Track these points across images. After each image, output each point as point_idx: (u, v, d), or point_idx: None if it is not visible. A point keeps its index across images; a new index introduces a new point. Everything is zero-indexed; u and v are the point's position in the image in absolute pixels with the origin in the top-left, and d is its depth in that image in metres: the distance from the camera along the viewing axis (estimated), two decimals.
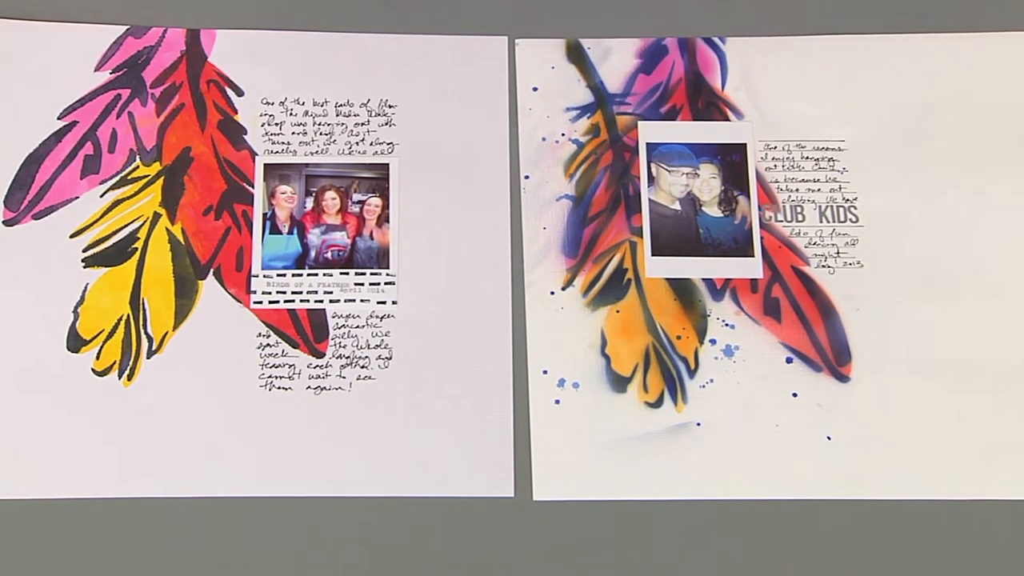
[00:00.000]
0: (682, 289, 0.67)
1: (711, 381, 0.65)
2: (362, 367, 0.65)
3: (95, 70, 0.71)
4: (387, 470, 0.63)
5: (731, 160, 0.70)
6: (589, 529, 0.62)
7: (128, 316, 0.65)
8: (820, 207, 0.69)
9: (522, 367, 0.65)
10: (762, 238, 0.68)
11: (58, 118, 0.69)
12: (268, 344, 0.66)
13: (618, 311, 0.67)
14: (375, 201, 0.69)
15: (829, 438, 0.64)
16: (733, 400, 0.65)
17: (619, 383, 0.65)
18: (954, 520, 0.62)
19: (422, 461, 0.63)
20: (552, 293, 0.67)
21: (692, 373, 0.65)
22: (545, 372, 0.65)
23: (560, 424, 0.64)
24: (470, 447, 0.63)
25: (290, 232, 0.68)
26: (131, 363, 0.65)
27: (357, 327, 0.66)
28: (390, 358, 0.65)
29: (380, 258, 0.67)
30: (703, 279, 0.67)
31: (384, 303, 0.67)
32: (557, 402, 0.64)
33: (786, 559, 0.62)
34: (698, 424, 0.64)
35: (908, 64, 0.72)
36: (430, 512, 0.62)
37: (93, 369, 0.64)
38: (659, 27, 0.73)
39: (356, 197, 0.69)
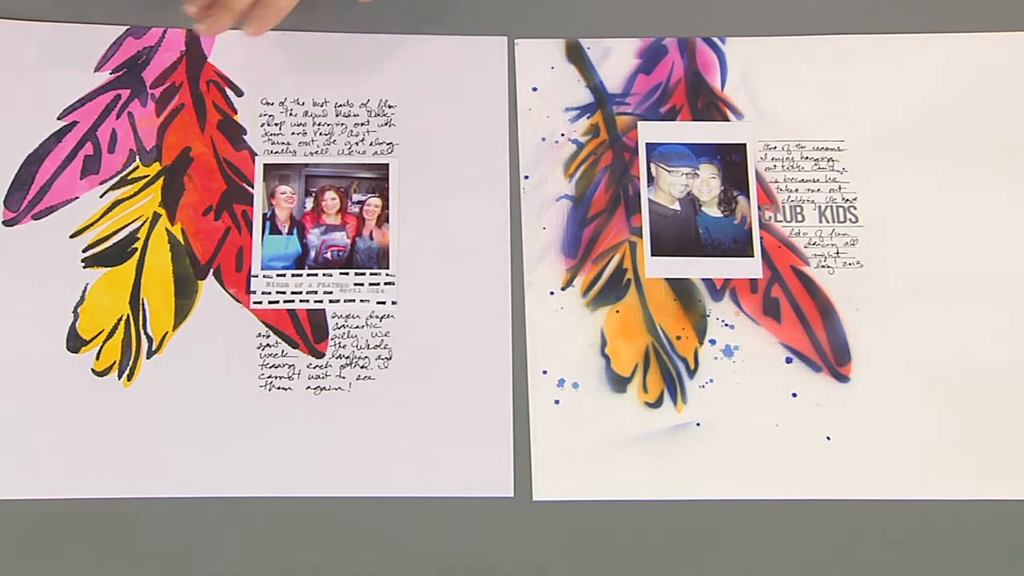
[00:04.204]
0: (682, 289, 0.65)
1: (711, 381, 0.63)
2: (362, 367, 0.63)
3: (95, 70, 0.68)
4: (387, 470, 0.61)
5: (731, 160, 0.67)
6: (589, 529, 0.60)
7: (128, 316, 0.63)
8: (820, 207, 0.67)
9: (522, 367, 0.63)
10: (762, 238, 0.66)
11: (58, 118, 0.67)
12: (268, 344, 0.63)
13: (618, 311, 0.64)
14: (375, 201, 0.66)
15: (829, 438, 0.62)
16: (733, 400, 0.62)
17: (619, 383, 0.63)
18: (954, 520, 0.60)
19: (422, 461, 0.61)
20: (552, 293, 0.65)
21: (692, 373, 0.63)
22: (545, 372, 0.63)
23: (560, 424, 0.62)
24: (470, 447, 0.61)
25: (290, 232, 0.66)
26: (131, 363, 0.62)
27: (357, 327, 0.64)
28: (390, 358, 0.63)
29: (380, 258, 0.65)
30: (703, 279, 0.65)
31: (384, 303, 0.64)
32: (557, 402, 0.62)
33: (786, 559, 0.60)
34: (698, 424, 0.62)
35: (908, 64, 0.70)
36: (429, 512, 0.60)
37: (93, 369, 0.62)
38: (659, 27, 0.71)
39: (356, 197, 0.66)
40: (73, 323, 0.63)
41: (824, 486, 0.61)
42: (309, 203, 0.66)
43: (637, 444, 0.61)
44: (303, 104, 0.68)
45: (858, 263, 0.65)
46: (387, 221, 0.66)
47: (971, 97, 0.69)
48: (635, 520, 0.60)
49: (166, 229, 0.65)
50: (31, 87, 0.67)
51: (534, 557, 0.59)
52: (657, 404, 0.62)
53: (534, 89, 0.69)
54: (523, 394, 0.62)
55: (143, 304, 0.63)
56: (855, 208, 0.66)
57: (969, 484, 0.61)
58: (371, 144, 0.68)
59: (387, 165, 0.67)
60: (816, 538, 0.60)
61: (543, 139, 0.68)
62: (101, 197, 0.66)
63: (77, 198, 0.65)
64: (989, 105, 0.68)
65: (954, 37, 0.70)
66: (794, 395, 0.63)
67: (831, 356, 0.63)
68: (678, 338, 0.64)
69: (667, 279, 0.65)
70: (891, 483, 0.61)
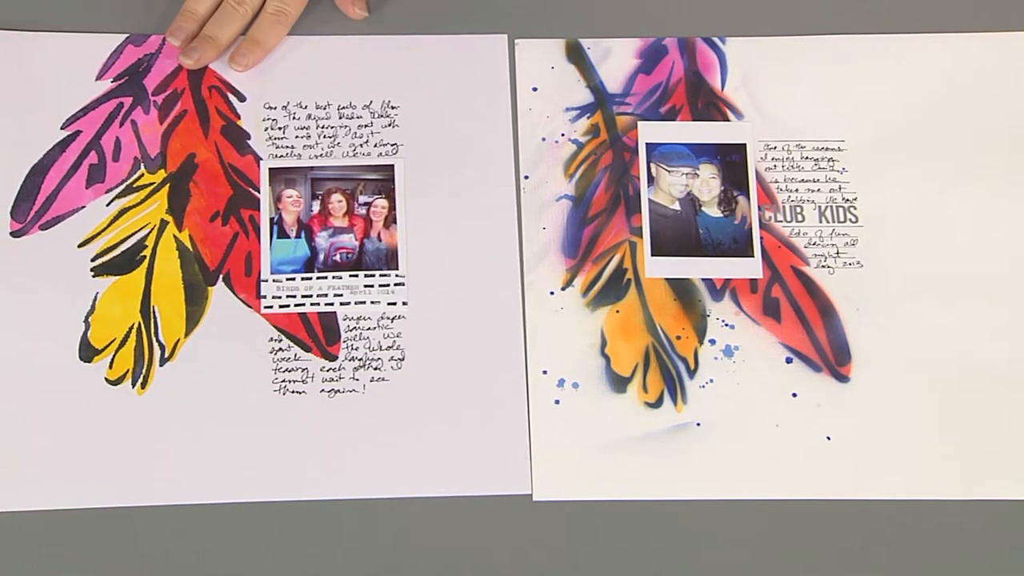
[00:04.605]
0: (682, 289, 0.64)
1: (711, 381, 0.62)
2: (375, 369, 0.63)
3: (96, 79, 0.68)
4: (403, 471, 0.61)
5: (731, 160, 0.66)
6: (589, 529, 0.60)
7: (139, 324, 0.63)
8: (820, 207, 0.65)
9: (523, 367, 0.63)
10: (762, 238, 0.65)
11: (61, 128, 0.67)
12: (280, 348, 0.63)
13: (618, 311, 0.64)
14: (381, 203, 0.66)
15: (829, 438, 0.61)
16: (733, 400, 0.62)
17: (619, 383, 0.62)
18: (954, 520, 0.60)
19: (438, 461, 0.61)
20: (552, 293, 0.64)
21: (692, 373, 0.63)
22: (545, 372, 0.63)
23: (560, 424, 0.62)
24: (486, 445, 0.61)
25: (298, 236, 0.65)
26: (144, 371, 0.62)
27: (369, 329, 0.63)
28: (403, 359, 0.63)
29: (389, 259, 0.65)
30: (703, 279, 0.64)
31: (395, 304, 0.64)
32: (557, 402, 0.62)
33: (786, 559, 0.59)
34: (698, 424, 0.62)
35: (908, 64, 0.68)
36: (429, 512, 0.60)
37: (106, 378, 0.62)
38: (659, 27, 0.69)
39: (362, 199, 0.66)
40: (84, 332, 0.63)
41: (824, 486, 0.60)
42: (316, 206, 0.66)
43: (637, 444, 0.61)
44: (306, 107, 0.68)
45: (858, 263, 0.64)
46: (394, 222, 0.65)
47: (971, 97, 0.67)
48: (635, 520, 0.60)
49: (174, 236, 0.65)
50: (33, 97, 0.67)
51: (534, 557, 0.59)
52: (657, 404, 0.62)
53: (534, 89, 0.68)
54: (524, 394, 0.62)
55: (154, 312, 0.63)
56: (855, 208, 0.65)
57: (969, 484, 0.60)
58: (375, 145, 0.67)
59: (392, 166, 0.66)
60: (816, 538, 0.60)
61: (543, 139, 0.67)
62: (108, 206, 0.65)
63: (84, 207, 0.65)
64: (989, 105, 0.67)
65: (954, 37, 0.69)
66: (794, 395, 0.62)
67: (831, 356, 0.63)
68: (678, 338, 0.63)
69: (667, 279, 0.64)
70: (891, 483, 0.60)
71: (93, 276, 0.64)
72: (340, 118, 0.67)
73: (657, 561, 0.59)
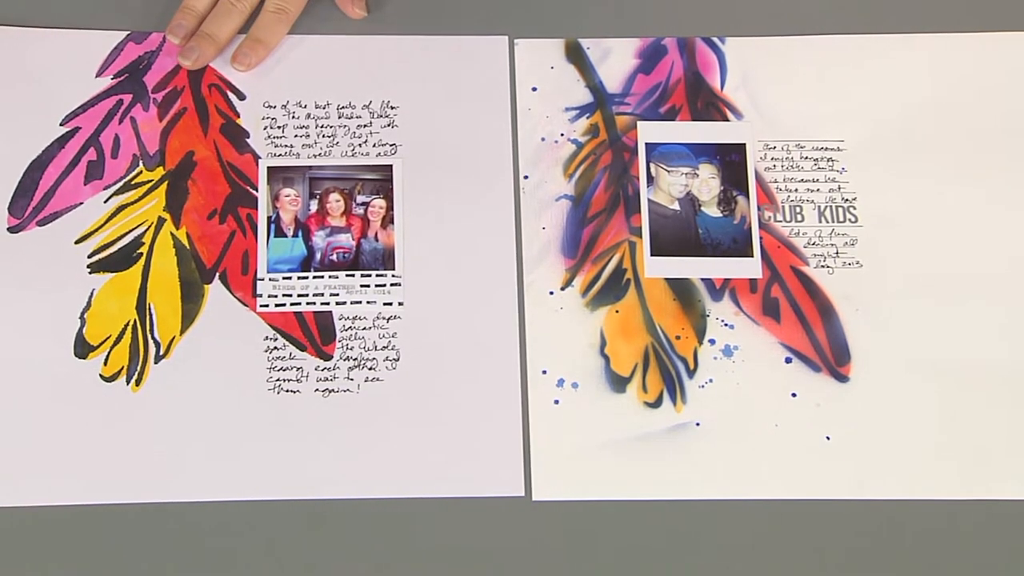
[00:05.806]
0: (681, 289, 0.63)
1: (710, 381, 0.61)
2: (370, 369, 0.61)
3: (96, 76, 0.66)
4: (396, 471, 0.59)
5: (730, 160, 0.65)
6: (589, 529, 0.58)
7: (135, 321, 0.61)
8: (819, 207, 0.64)
9: (522, 367, 0.61)
10: (761, 238, 0.64)
11: (60, 124, 0.65)
12: (276, 347, 0.61)
13: (617, 311, 0.62)
14: (379, 203, 0.64)
15: (828, 438, 0.60)
16: (732, 400, 0.61)
17: (618, 383, 0.61)
18: (954, 520, 0.59)
19: (432, 462, 0.59)
20: (551, 293, 0.63)
21: (691, 373, 0.61)
22: (544, 372, 0.61)
23: (559, 424, 0.60)
24: (480, 447, 0.59)
25: (295, 235, 0.64)
26: (139, 368, 0.61)
27: (364, 329, 0.62)
28: (398, 359, 0.61)
29: (386, 259, 0.63)
30: (702, 279, 0.63)
31: (390, 304, 0.62)
32: (556, 402, 0.60)
33: (786, 559, 0.58)
34: (697, 424, 0.60)
35: (908, 64, 0.67)
36: (431, 513, 0.59)
37: (101, 375, 0.60)
38: (658, 27, 0.68)
39: (360, 199, 0.64)
40: (80, 329, 0.61)
41: (824, 486, 0.59)
42: (314, 205, 0.64)
43: (637, 444, 0.60)
44: (305, 107, 0.66)
45: (858, 263, 0.63)
46: (392, 222, 0.64)
47: (971, 97, 0.67)
48: (635, 520, 0.58)
49: (171, 233, 0.63)
50: (33, 93, 0.66)
51: (534, 557, 0.58)
52: (657, 404, 0.61)
53: (534, 89, 0.67)
54: (523, 394, 0.61)
55: (150, 309, 0.62)
56: (855, 208, 0.64)
57: (969, 484, 0.59)
58: (374, 145, 0.66)
59: (390, 166, 0.65)
60: (816, 538, 0.58)
61: (542, 139, 0.66)
62: (106, 202, 0.64)
63: (81, 204, 0.64)
64: (989, 105, 0.66)
65: (954, 37, 0.68)
66: (794, 395, 0.61)
67: (831, 356, 0.61)
68: (677, 338, 0.62)
69: (667, 279, 0.63)
70: (890, 483, 0.59)
71: (90, 272, 0.62)
72: (339, 118, 0.66)
73: (656, 561, 0.58)
